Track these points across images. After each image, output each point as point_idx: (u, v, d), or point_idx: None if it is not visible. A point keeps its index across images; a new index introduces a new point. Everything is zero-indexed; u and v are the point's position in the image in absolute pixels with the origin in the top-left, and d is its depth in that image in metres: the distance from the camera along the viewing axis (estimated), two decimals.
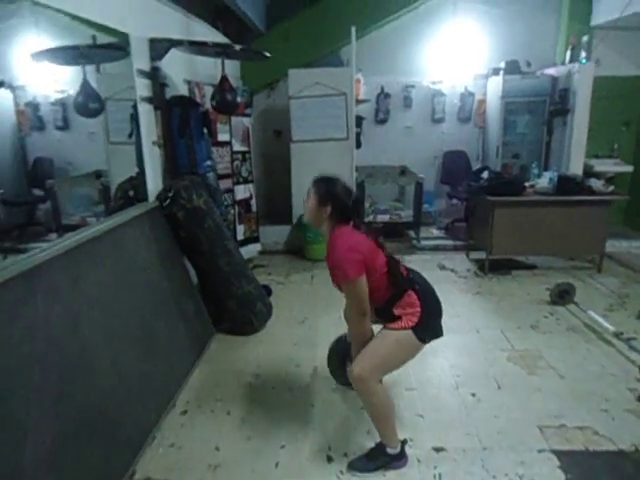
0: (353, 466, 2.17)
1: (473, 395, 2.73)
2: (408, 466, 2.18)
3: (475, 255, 5.07)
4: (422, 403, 2.66)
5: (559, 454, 2.24)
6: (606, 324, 3.33)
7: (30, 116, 4.28)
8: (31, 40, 3.62)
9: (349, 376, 2.10)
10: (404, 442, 2.23)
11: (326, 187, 2.09)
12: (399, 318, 2.04)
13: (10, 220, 4.37)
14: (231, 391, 2.82)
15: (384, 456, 2.16)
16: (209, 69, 4.05)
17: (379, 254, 2.08)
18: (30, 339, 1.79)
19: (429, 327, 2.08)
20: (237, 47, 3.23)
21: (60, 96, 4.18)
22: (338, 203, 2.06)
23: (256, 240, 5.27)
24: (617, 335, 3.22)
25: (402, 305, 2.05)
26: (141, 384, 2.47)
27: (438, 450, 2.29)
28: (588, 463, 2.19)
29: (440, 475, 2.13)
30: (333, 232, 2.09)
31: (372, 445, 2.24)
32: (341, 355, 2.62)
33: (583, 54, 5.23)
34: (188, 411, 2.63)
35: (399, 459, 2.18)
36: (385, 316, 2.10)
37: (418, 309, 2.03)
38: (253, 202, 5.09)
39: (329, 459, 2.24)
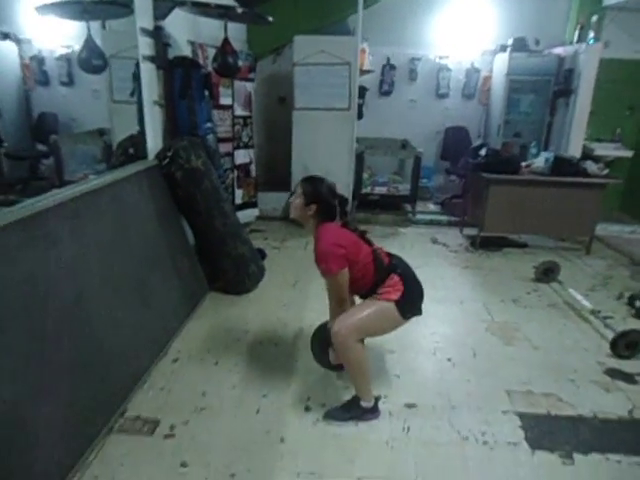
0: (328, 415, 2.33)
1: (449, 360, 2.88)
2: (380, 419, 2.33)
3: (468, 231, 5.17)
4: (400, 365, 2.81)
5: (522, 416, 2.39)
6: (585, 302, 3.45)
7: (35, 70, 4.33)
8: None
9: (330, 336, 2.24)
10: (378, 398, 2.39)
11: (312, 187, 2.24)
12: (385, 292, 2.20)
13: (14, 174, 4.48)
14: (221, 344, 2.98)
15: (358, 408, 2.31)
16: (214, 31, 4.05)
17: (362, 246, 2.24)
18: (30, 281, 1.91)
19: (411, 305, 2.24)
20: (239, 10, 3.25)
21: (65, 51, 4.22)
22: (323, 203, 2.21)
23: (254, 205, 5.36)
24: (594, 312, 3.35)
25: (385, 287, 2.20)
26: (135, 331, 2.62)
27: (409, 406, 2.44)
28: (548, 425, 2.34)
29: (409, 428, 2.29)
30: (317, 228, 2.24)
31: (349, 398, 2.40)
32: (323, 341, 2.60)
33: (591, 34, 5.18)
34: (179, 359, 2.80)
35: (372, 412, 2.33)
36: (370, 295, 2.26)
37: (401, 288, 2.18)
38: (252, 167, 5.16)
39: (307, 409, 2.40)
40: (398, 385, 2.62)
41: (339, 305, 2.24)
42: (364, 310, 2.21)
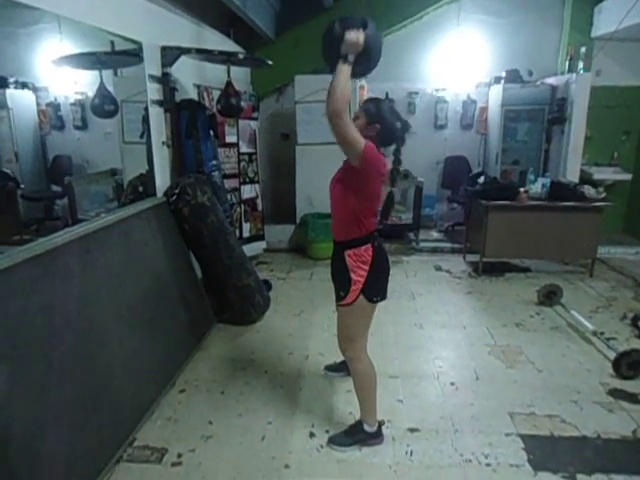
0: (332, 441, 2.37)
1: (452, 384, 2.91)
2: (383, 443, 2.37)
3: (471, 258, 5.22)
4: (403, 390, 2.84)
5: (525, 438, 2.41)
6: (587, 323, 3.47)
7: (51, 116, 4.57)
8: (54, 44, 3.92)
9: None
10: (382, 423, 2.43)
11: (375, 107, 2.11)
12: (348, 278, 2.16)
13: (29, 214, 4.66)
14: (227, 374, 3.04)
15: (361, 433, 2.35)
16: (218, 74, 4.29)
17: (383, 193, 2.20)
18: (44, 313, 2.03)
19: (377, 287, 2.20)
20: (241, 55, 3.47)
21: (79, 97, 4.47)
22: (386, 123, 2.08)
23: (261, 238, 5.49)
24: (596, 334, 3.37)
25: (356, 253, 2.15)
26: (143, 363, 2.71)
27: (412, 430, 2.47)
28: (551, 446, 2.36)
29: (412, 452, 2.32)
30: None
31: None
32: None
33: (581, 64, 5.37)
34: (186, 390, 2.86)
35: (375, 437, 2.37)
36: (337, 259, 2.24)
37: (367, 267, 2.14)
38: (259, 201, 5.32)
39: (311, 435, 2.44)
40: (401, 410, 2.65)
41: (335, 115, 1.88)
42: (345, 321, 2.29)
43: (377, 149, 2.05)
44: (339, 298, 2.25)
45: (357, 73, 2.01)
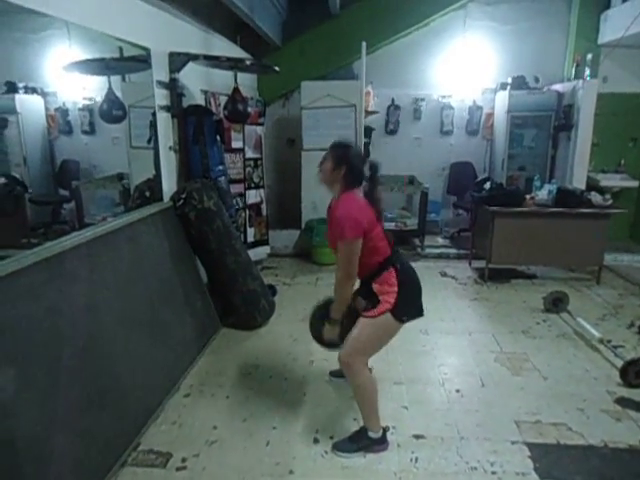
0: (336, 447, 2.36)
1: (457, 391, 2.89)
2: (388, 450, 2.36)
3: (477, 264, 5.21)
4: (408, 396, 2.83)
5: (531, 446, 2.39)
6: (593, 331, 3.45)
7: (59, 121, 4.62)
8: (63, 50, 3.96)
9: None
10: (386, 429, 2.42)
11: (341, 151, 2.25)
12: (377, 300, 2.19)
13: (37, 218, 4.70)
14: (231, 379, 3.04)
15: (366, 439, 2.35)
16: (225, 80, 4.32)
17: (377, 226, 2.25)
18: (51, 316, 2.04)
19: (406, 306, 2.22)
20: (247, 61, 3.50)
21: (87, 103, 4.51)
22: (351, 165, 2.21)
23: (266, 243, 5.51)
24: (602, 341, 3.34)
25: (381, 281, 2.21)
26: (148, 367, 2.71)
27: (418, 437, 2.46)
28: (557, 454, 2.34)
29: (417, 459, 2.31)
30: (342, 194, 2.24)
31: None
32: (323, 318, 2.48)
33: (587, 71, 5.36)
34: (191, 394, 2.86)
35: (380, 443, 2.36)
36: (364, 290, 2.28)
37: (395, 288, 2.18)
38: (264, 206, 5.33)
39: (315, 441, 2.44)
40: (406, 416, 2.64)
41: (346, 284, 2.19)
42: (362, 332, 2.23)
43: (349, 204, 2.18)
44: (364, 309, 2.27)
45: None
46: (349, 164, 2.21)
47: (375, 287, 2.23)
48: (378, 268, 2.22)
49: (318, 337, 2.62)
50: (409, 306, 2.25)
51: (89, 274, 2.36)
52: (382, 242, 2.25)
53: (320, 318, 2.54)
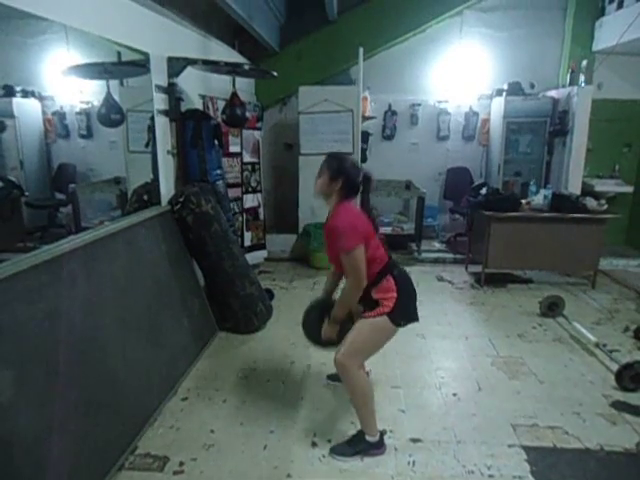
0: (334, 451, 2.36)
1: (454, 395, 2.90)
2: (385, 454, 2.36)
3: (474, 268, 5.23)
4: (405, 400, 2.84)
5: (528, 449, 2.40)
6: (589, 335, 3.47)
7: (57, 124, 4.62)
8: (61, 54, 3.97)
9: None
10: (383, 432, 2.43)
11: (337, 163, 2.27)
12: (376, 304, 2.23)
13: (33, 222, 4.69)
14: (229, 382, 3.04)
15: (363, 443, 2.35)
16: (223, 84, 4.34)
17: (373, 235, 2.28)
18: (49, 320, 2.04)
19: (404, 311, 2.25)
20: (246, 66, 3.52)
21: (85, 106, 4.52)
22: (347, 177, 2.23)
23: (263, 247, 5.51)
24: (598, 345, 3.36)
25: (380, 289, 2.23)
26: (146, 370, 2.71)
27: (415, 441, 2.47)
28: (554, 458, 2.35)
29: (414, 462, 2.31)
30: (339, 204, 2.27)
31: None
32: (317, 317, 2.53)
33: (582, 78, 5.42)
34: (188, 398, 2.86)
35: (377, 447, 2.36)
36: (365, 299, 2.28)
37: (394, 294, 2.21)
38: (261, 210, 5.34)
39: (313, 444, 2.43)
40: (403, 420, 2.64)
41: (357, 290, 2.19)
42: (359, 334, 2.25)
43: (346, 214, 2.22)
44: (363, 311, 2.29)
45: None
46: (346, 176, 2.23)
47: (375, 295, 2.25)
48: (377, 277, 2.24)
49: (312, 335, 2.59)
50: (406, 311, 2.28)
51: (87, 277, 2.36)
52: (379, 250, 2.28)
53: (316, 318, 2.52)
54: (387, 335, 2.28)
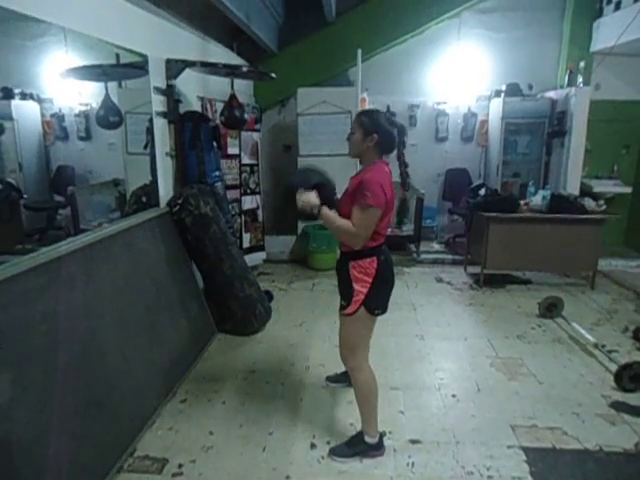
0: (333, 452, 2.36)
1: (453, 396, 2.90)
2: (384, 455, 2.36)
3: (472, 269, 5.24)
4: (405, 401, 2.84)
5: (527, 450, 2.40)
6: (588, 336, 3.47)
7: (55, 127, 4.62)
8: (60, 57, 3.97)
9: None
10: (383, 434, 2.43)
11: (369, 118, 2.14)
12: (351, 291, 2.18)
13: (32, 224, 4.68)
14: (228, 384, 3.03)
15: (362, 444, 2.34)
16: (222, 86, 4.35)
17: (390, 212, 2.18)
18: (48, 321, 2.04)
19: (378, 299, 2.21)
20: (244, 68, 3.52)
21: (84, 109, 4.52)
22: (382, 132, 2.10)
23: (262, 249, 5.51)
24: (597, 346, 3.36)
25: (359, 265, 2.16)
26: (145, 372, 2.71)
27: (414, 442, 2.46)
28: (553, 459, 2.35)
29: (413, 463, 2.31)
30: (372, 164, 2.15)
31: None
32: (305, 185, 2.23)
33: (580, 79, 5.43)
34: (187, 400, 2.85)
35: (377, 449, 2.36)
36: (341, 268, 2.25)
37: (370, 279, 2.16)
38: (259, 212, 5.34)
39: (312, 446, 2.43)
40: (402, 421, 2.64)
41: (350, 239, 2.10)
42: (346, 330, 2.29)
43: (379, 174, 2.09)
44: (341, 307, 2.27)
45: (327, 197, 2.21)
46: (380, 131, 2.10)
47: (352, 272, 2.18)
48: (365, 251, 2.16)
49: (293, 184, 2.26)
50: (380, 300, 2.24)
51: (86, 279, 2.36)
52: (384, 230, 2.20)
53: (306, 182, 2.23)
54: (367, 325, 2.27)
